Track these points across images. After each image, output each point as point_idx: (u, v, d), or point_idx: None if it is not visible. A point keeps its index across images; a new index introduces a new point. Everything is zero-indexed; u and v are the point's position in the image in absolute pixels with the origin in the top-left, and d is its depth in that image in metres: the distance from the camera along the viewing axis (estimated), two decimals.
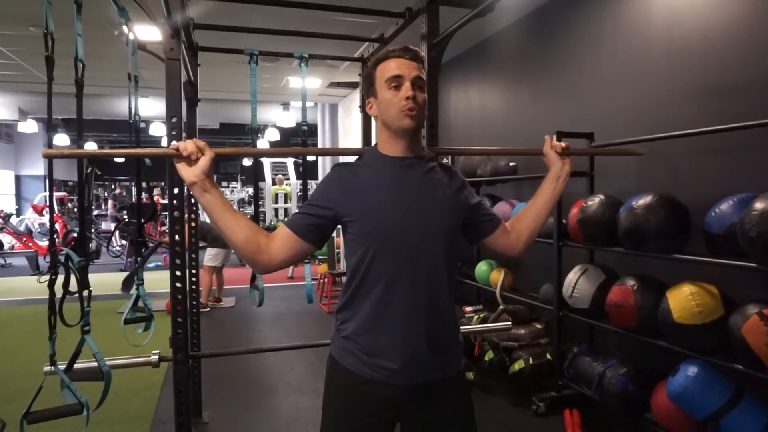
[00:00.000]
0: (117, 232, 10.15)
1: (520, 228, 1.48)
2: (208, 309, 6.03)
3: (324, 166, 10.18)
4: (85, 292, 1.79)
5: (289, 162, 11.34)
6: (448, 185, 1.36)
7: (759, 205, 1.95)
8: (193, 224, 3.06)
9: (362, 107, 3.46)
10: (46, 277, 1.71)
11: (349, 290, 1.33)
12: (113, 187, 19.33)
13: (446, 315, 1.33)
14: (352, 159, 1.42)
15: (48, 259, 1.75)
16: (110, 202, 11.01)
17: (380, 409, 1.32)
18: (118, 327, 2.28)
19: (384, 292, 1.27)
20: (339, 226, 1.35)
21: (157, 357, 2.07)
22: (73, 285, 1.77)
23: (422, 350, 1.29)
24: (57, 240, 1.91)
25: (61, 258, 1.77)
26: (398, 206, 1.28)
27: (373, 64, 1.33)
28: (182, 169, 1.23)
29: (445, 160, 1.56)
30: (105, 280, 7.61)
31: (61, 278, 1.72)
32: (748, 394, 2.15)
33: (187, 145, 1.22)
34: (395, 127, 1.30)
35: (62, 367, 1.79)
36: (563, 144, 1.53)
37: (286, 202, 10.40)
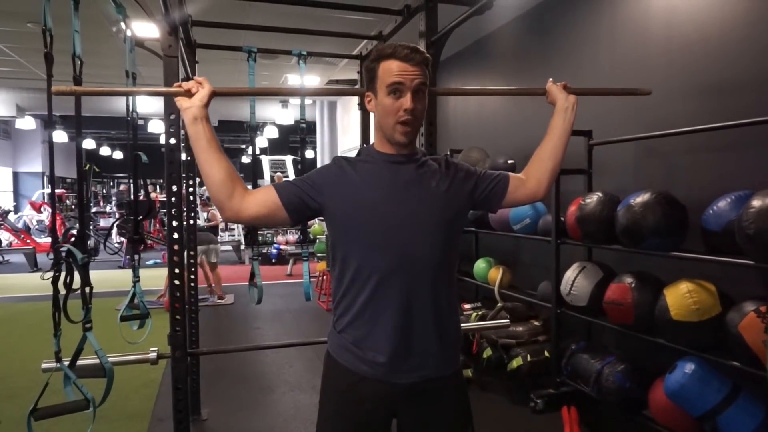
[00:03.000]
0: (115, 230, 10.15)
1: (538, 172, 1.46)
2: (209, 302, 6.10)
3: (323, 163, 10.16)
4: (87, 289, 1.79)
5: (288, 160, 11.34)
6: (441, 178, 1.34)
7: (756, 203, 1.95)
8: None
9: (360, 105, 3.46)
10: (50, 274, 1.71)
11: (343, 285, 1.32)
12: (112, 185, 19.31)
13: (443, 310, 1.32)
14: (353, 154, 1.41)
15: (50, 256, 1.75)
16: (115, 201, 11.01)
17: (376, 406, 1.32)
18: (115, 324, 2.28)
19: (378, 286, 1.27)
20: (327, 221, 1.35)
21: (155, 354, 2.07)
22: (75, 282, 1.77)
23: (416, 345, 1.29)
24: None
25: (63, 254, 1.77)
26: (390, 201, 1.28)
27: (377, 57, 1.28)
28: (180, 100, 1.29)
29: (445, 154, 1.55)
30: (103, 277, 7.60)
31: (63, 275, 1.72)
32: (745, 390, 2.16)
33: (189, 82, 1.30)
34: (388, 136, 1.30)
35: (64, 363, 1.79)
36: (564, 83, 1.53)
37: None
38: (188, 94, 1.29)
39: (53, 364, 1.78)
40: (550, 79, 1.55)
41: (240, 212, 1.27)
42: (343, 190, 1.30)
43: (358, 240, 1.28)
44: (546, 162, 1.46)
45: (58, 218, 9.99)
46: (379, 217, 1.27)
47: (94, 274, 1.82)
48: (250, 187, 1.34)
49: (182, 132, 2.19)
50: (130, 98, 2.25)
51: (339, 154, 1.46)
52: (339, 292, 1.35)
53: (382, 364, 1.28)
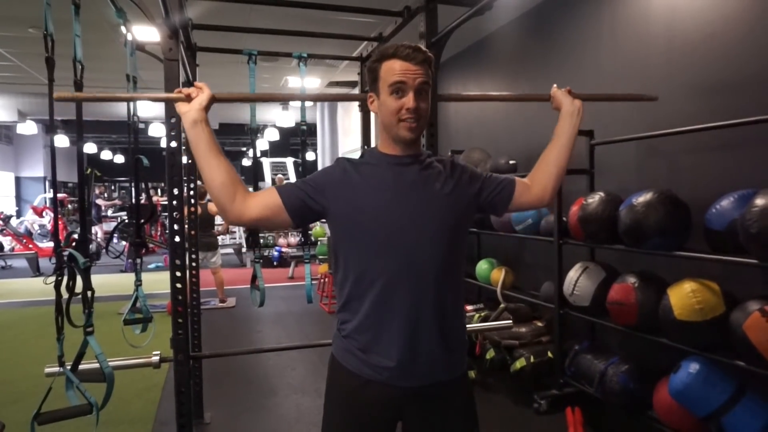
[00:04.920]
0: (114, 233, 10.16)
1: (543, 177, 1.44)
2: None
3: (324, 165, 10.17)
4: (89, 293, 1.79)
5: (289, 162, 11.36)
6: (446, 180, 1.33)
7: (760, 202, 1.95)
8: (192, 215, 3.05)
9: (361, 106, 3.46)
10: (52, 279, 1.71)
11: (346, 290, 1.32)
12: (113, 188, 19.36)
13: (449, 314, 1.31)
14: (354, 156, 1.41)
15: (52, 260, 1.75)
16: (96, 202, 11.03)
17: (381, 410, 1.31)
18: (118, 328, 2.28)
19: (383, 291, 1.26)
20: (332, 224, 1.34)
21: (158, 358, 2.07)
22: (78, 286, 1.77)
23: (423, 350, 1.28)
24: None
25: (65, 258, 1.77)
26: (394, 204, 1.27)
27: (379, 57, 1.28)
28: (180, 105, 1.29)
29: (450, 155, 1.54)
30: (105, 281, 7.61)
31: (65, 279, 1.72)
32: (750, 390, 2.15)
33: (188, 88, 1.30)
34: (393, 135, 1.29)
35: (68, 368, 1.79)
36: (568, 88, 1.52)
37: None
38: (188, 99, 1.29)
39: (56, 369, 1.78)
40: (554, 85, 1.54)
41: (242, 215, 1.27)
42: (346, 193, 1.29)
43: (361, 244, 1.27)
44: (551, 167, 1.45)
45: (60, 222, 10.05)
46: (382, 221, 1.26)
47: (96, 278, 1.82)
48: (250, 189, 1.34)
49: (183, 135, 2.19)
50: (131, 102, 2.25)
51: (341, 155, 1.44)
52: (342, 297, 1.34)
53: (388, 368, 1.27)
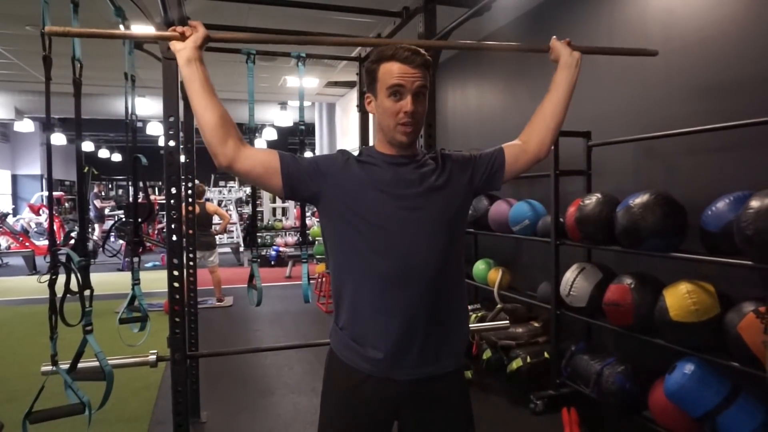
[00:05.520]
0: (111, 232, 10.13)
1: (540, 133, 1.44)
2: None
3: None
4: (87, 292, 1.79)
5: None
6: (439, 175, 1.33)
7: (755, 204, 1.96)
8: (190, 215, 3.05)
9: (359, 106, 3.46)
10: (47, 278, 1.71)
11: (341, 283, 1.32)
12: (110, 187, 19.31)
13: (444, 309, 1.31)
14: (354, 152, 1.41)
15: (48, 259, 1.75)
16: (94, 202, 11.01)
17: (377, 409, 1.31)
18: (114, 327, 2.28)
19: (377, 287, 1.26)
20: (332, 218, 1.33)
21: (154, 357, 2.07)
22: (74, 284, 1.76)
23: (416, 341, 1.27)
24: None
25: (62, 258, 1.76)
26: (391, 202, 1.27)
27: (377, 58, 1.27)
28: (174, 43, 1.28)
29: (441, 148, 1.52)
30: (102, 280, 7.59)
31: (62, 278, 1.72)
32: (745, 391, 2.16)
33: (183, 27, 1.29)
34: (389, 137, 1.29)
35: (64, 366, 1.79)
36: (568, 40, 1.51)
37: (284, 202, 10.38)
38: (182, 37, 1.28)
39: (52, 367, 1.78)
40: (554, 36, 1.53)
41: (234, 161, 1.25)
42: (345, 183, 1.29)
43: (357, 241, 1.27)
44: (548, 121, 1.44)
45: (57, 221, 10.03)
46: (379, 219, 1.26)
47: (93, 277, 1.81)
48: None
49: (181, 134, 2.19)
50: (129, 101, 2.25)
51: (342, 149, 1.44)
52: (337, 289, 1.34)
53: (381, 360, 1.27)
